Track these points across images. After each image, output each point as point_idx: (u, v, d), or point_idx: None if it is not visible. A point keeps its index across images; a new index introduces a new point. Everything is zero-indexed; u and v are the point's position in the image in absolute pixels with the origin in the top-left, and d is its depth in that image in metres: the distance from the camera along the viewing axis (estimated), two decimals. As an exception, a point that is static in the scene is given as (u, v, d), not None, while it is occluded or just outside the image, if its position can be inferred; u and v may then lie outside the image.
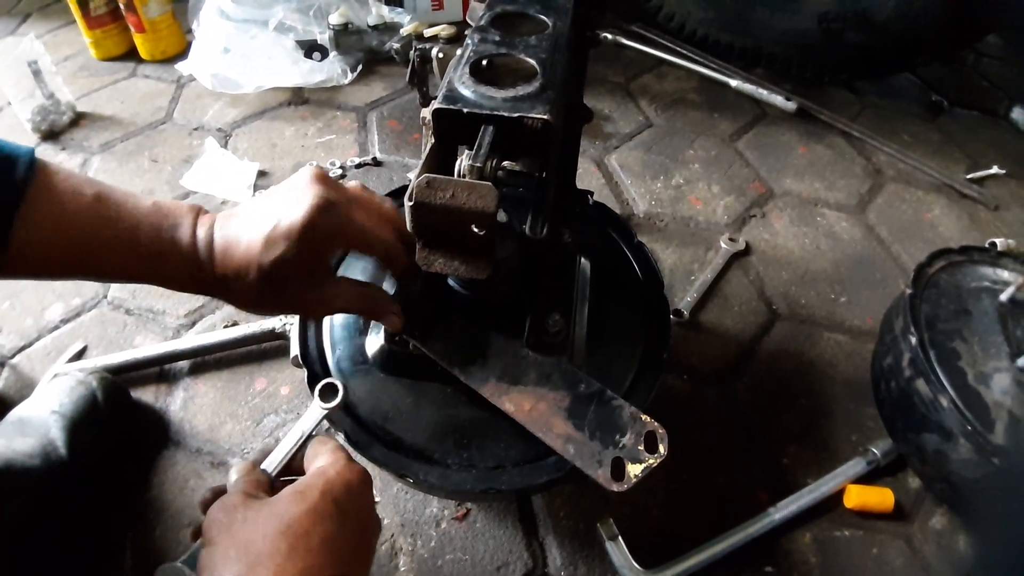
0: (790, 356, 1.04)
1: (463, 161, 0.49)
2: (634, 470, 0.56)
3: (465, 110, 0.50)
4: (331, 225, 0.52)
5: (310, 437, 0.56)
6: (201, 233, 0.53)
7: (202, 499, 0.52)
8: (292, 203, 0.52)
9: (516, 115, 0.50)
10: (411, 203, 0.49)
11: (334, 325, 0.73)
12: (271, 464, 0.55)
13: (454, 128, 0.52)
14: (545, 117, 0.49)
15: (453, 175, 0.51)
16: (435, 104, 0.51)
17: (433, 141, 0.53)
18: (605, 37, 1.76)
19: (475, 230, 0.50)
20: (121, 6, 1.54)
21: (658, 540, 0.81)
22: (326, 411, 0.57)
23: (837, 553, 0.82)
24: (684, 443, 0.91)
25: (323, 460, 0.52)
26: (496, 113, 0.50)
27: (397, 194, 0.85)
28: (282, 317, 0.94)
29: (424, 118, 0.53)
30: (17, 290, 1.06)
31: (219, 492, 0.52)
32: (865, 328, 1.09)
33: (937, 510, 0.87)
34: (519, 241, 0.65)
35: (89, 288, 1.07)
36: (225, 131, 1.42)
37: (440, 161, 0.53)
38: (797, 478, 0.89)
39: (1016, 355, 0.83)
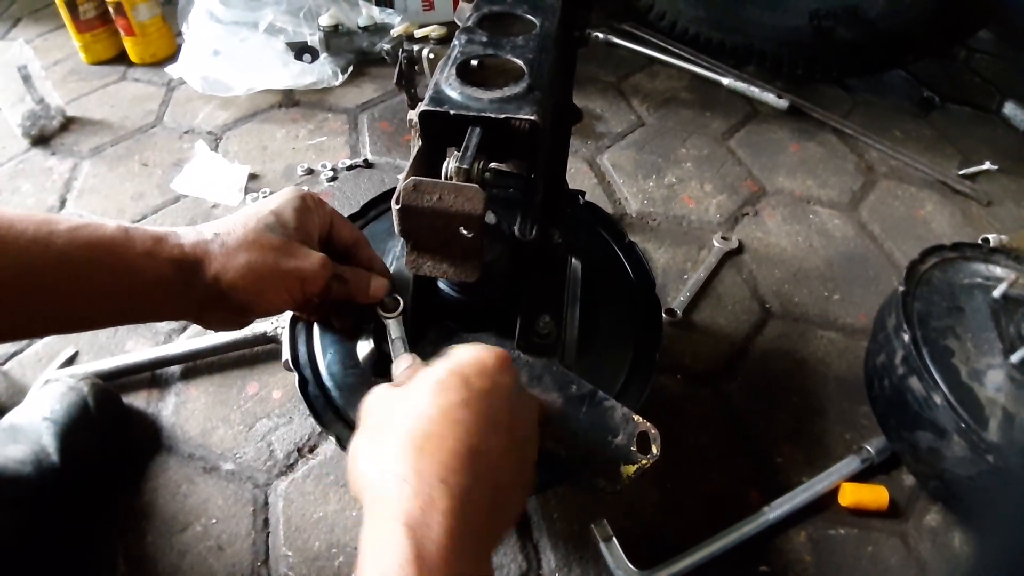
0: (783, 354, 1.04)
1: (450, 163, 0.49)
2: (627, 471, 0.55)
3: (452, 112, 0.50)
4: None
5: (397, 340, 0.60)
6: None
7: None
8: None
9: (503, 116, 0.49)
10: (398, 206, 0.48)
11: (324, 329, 0.72)
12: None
13: (441, 130, 0.52)
14: (532, 118, 0.49)
15: (441, 177, 0.50)
16: (421, 106, 0.51)
17: (420, 143, 0.53)
18: (596, 36, 1.76)
19: (463, 232, 0.49)
20: (110, 10, 1.53)
21: (652, 540, 0.81)
22: (393, 317, 0.61)
23: (832, 552, 0.82)
24: (678, 443, 0.90)
25: (459, 350, 0.51)
26: (483, 114, 0.50)
27: (384, 198, 0.85)
28: (273, 321, 0.94)
29: (411, 120, 0.53)
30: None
31: None
32: (858, 325, 1.09)
33: (932, 508, 0.87)
34: (508, 243, 0.65)
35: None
36: (215, 134, 1.42)
37: (428, 163, 0.53)
38: (791, 477, 0.89)
39: (1009, 351, 0.83)
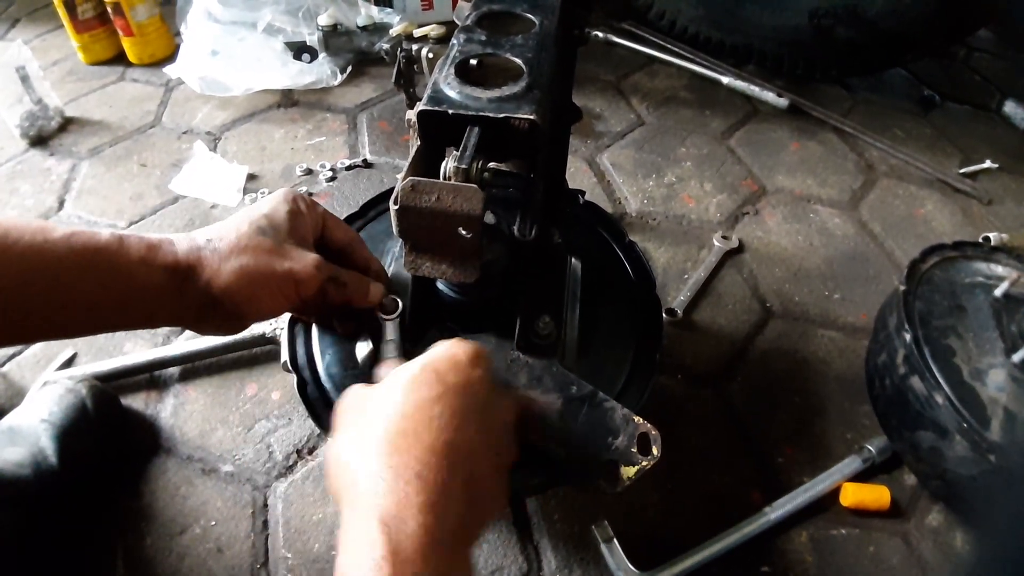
0: (784, 354, 1.04)
1: (448, 163, 0.49)
2: (627, 472, 0.55)
3: (450, 111, 0.50)
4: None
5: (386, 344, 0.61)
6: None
7: None
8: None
9: (502, 116, 0.49)
10: (396, 207, 0.48)
11: (324, 330, 0.72)
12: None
13: (440, 130, 0.51)
14: (531, 117, 0.49)
15: (439, 177, 0.50)
16: (420, 106, 0.50)
17: (419, 143, 0.53)
18: (595, 35, 1.75)
19: (462, 233, 0.49)
20: (109, 10, 1.53)
21: (653, 541, 0.81)
22: (391, 319, 0.61)
23: (833, 552, 0.82)
24: (678, 443, 0.90)
25: (435, 347, 0.51)
26: (481, 114, 0.50)
27: (383, 198, 0.84)
28: (272, 322, 0.93)
29: (410, 120, 0.52)
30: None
31: None
32: (859, 325, 1.08)
33: (933, 507, 0.86)
34: (508, 243, 0.64)
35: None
36: (214, 134, 1.41)
37: (427, 163, 0.53)
38: (792, 477, 0.88)
39: (1011, 351, 0.83)
